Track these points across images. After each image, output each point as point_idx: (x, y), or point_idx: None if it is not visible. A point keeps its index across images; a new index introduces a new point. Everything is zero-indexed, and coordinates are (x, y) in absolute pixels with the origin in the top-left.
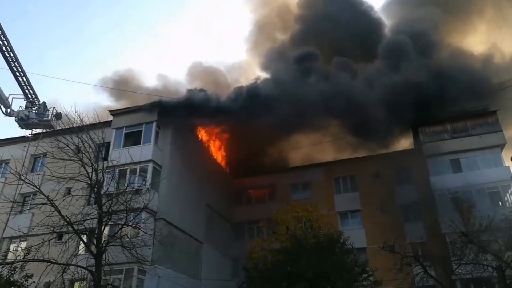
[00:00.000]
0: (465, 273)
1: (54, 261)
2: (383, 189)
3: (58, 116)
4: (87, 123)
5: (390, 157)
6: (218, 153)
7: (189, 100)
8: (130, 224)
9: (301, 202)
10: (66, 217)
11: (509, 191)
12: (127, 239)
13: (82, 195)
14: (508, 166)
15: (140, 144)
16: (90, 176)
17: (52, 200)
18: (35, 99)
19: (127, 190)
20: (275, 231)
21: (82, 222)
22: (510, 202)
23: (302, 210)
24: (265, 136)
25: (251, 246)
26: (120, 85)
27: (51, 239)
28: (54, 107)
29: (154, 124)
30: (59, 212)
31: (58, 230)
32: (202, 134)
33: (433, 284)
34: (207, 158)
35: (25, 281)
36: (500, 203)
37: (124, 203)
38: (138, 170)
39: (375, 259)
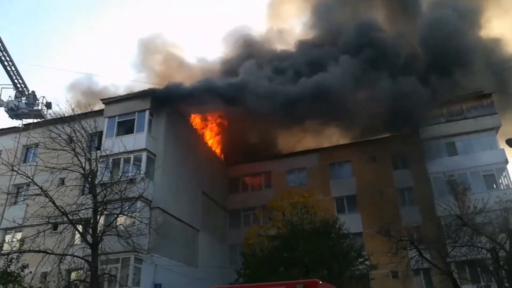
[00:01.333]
0: (459, 255)
1: (50, 251)
2: (379, 173)
3: (48, 105)
4: (79, 112)
5: (386, 141)
6: (212, 140)
7: (182, 87)
8: (126, 213)
9: (297, 188)
10: (60, 208)
11: (504, 174)
12: (123, 229)
13: (76, 185)
14: (503, 149)
15: (133, 132)
16: (84, 166)
17: (46, 191)
18: (25, 89)
19: (121, 179)
20: (271, 218)
21: (77, 212)
22: (504, 184)
23: (298, 196)
24: (260, 123)
25: (247, 233)
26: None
27: (46, 230)
28: (44, 97)
29: (147, 112)
30: (54, 203)
31: (53, 221)
32: (196, 122)
33: (428, 267)
34: (202, 146)
35: (21, 271)
36: (494, 185)
37: (119, 193)
38: (132, 159)
39: (371, 243)
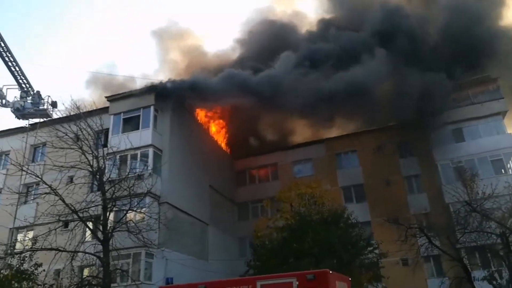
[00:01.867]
0: (469, 241)
1: (62, 249)
2: (385, 162)
3: (54, 104)
4: (84, 110)
5: (391, 130)
6: (218, 134)
7: (186, 82)
8: (135, 209)
9: (304, 179)
10: (70, 205)
11: None
12: (133, 224)
13: (84, 183)
14: (510, 134)
15: (139, 129)
16: (91, 164)
17: (55, 189)
18: (29, 89)
19: (129, 175)
20: (279, 209)
21: (86, 209)
22: None
23: (305, 187)
24: (265, 114)
25: (256, 225)
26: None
27: (57, 228)
28: (49, 96)
29: (152, 108)
30: (63, 201)
31: (63, 219)
32: (201, 116)
33: (438, 254)
34: (208, 140)
35: (35, 269)
36: (503, 170)
37: (127, 189)
38: (139, 155)
39: (379, 232)
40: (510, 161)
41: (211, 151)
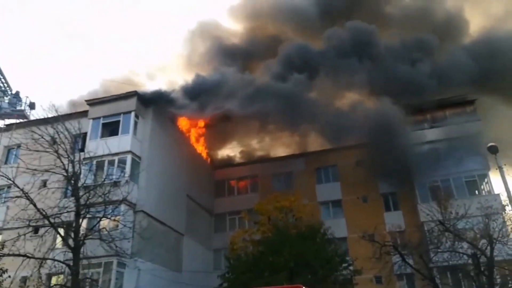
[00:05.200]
0: (441, 261)
1: (30, 255)
2: (364, 178)
3: (32, 106)
4: (63, 113)
5: (371, 147)
6: (199, 143)
7: (167, 91)
8: (109, 216)
9: (283, 192)
10: (42, 210)
11: (486, 180)
12: (106, 232)
13: (58, 188)
14: (485, 155)
15: (118, 134)
16: (67, 168)
17: (27, 193)
18: (7, 88)
19: (105, 182)
20: (256, 222)
21: (59, 215)
22: (486, 191)
23: (284, 200)
24: (246, 126)
25: (232, 237)
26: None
27: (26, 233)
28: (28, 97)
29: (133, 114)
30: (35, 205)
31: (34, 224)
32: (183, 125)
33: (411, 272)
34: (188, 149)
35: (0, 276)
36: (476, 191)
37: (102, 196)
38: (116, 162)
39: (355, 248)
40: (484, 183)
41: (190, 160)
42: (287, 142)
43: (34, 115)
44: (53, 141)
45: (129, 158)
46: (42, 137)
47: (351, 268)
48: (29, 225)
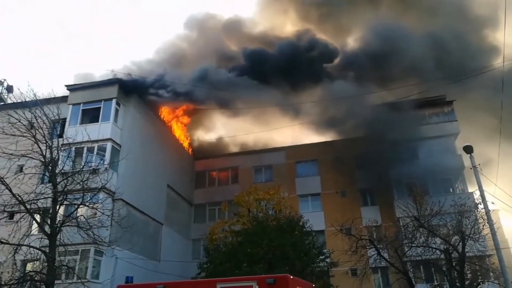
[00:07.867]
0: (415, 255)
1: (5, 241)
2: (343, 173)
3: (10, 89)
4: (41, 97)
5: (351, 142)
6: (180, 133)
7: (149, 79)
8: (87, 204)
9: (263, 184)
10: (17, 196)
11: (460, 179)
12: (84, 220)
13: (35, 173)
14: (460, 155)
15: (98, 121)
16: (44, 154)
17: (2, 178)
18: None
19: (83, 169)
20: (236, 213)
21: (35, 201)
22: (460, 189)
23: (264, 192)
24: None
25: (212, 227)
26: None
27: (1, 218)
28: (5, 79)
29: (114, 101)
30: (10, 190)
31: (9, 209)
32: (165, 114)
33: (385, 266)
34: (169, 139)
35: None
36: (451, 189)
37: (81, 183)
38: (95, 149)
39: (332, 241)
40: (459, 181)
41: (172, 150)
42: (268, 135)
43: (11, 98)
44: (31, 126)
45: (109, 145)
46: (19, 121)
47: (328, 260)
48: (4, 211)
